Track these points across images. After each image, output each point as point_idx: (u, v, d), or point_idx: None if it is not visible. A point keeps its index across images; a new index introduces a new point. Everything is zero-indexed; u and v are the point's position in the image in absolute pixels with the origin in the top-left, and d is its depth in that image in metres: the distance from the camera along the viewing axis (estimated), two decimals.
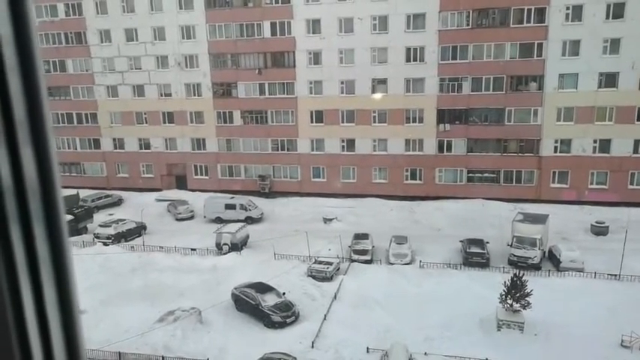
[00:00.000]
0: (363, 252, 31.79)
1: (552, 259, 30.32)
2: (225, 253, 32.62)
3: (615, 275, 27.31)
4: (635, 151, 39.61)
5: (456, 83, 41.78)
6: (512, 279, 23.32)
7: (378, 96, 43.20)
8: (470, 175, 43.00)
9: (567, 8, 38.66)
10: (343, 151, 44.99)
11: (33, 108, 1.06)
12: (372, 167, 44.54)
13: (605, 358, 20.17)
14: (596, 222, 35.60)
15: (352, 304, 25.46)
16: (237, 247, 32.95)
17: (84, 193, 44.58)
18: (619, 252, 27.83)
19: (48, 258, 1.09)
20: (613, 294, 25.32)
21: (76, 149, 50.25)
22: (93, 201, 43.73)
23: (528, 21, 39.55)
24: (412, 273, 29.01)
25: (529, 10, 39.37)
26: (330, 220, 39.27)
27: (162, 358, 20.77)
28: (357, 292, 26.69)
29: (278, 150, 46.62)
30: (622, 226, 32.12)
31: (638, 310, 23.73)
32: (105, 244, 34.43)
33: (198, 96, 47.16)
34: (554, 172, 41.43)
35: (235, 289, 25.85)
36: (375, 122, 43.83)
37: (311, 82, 44.43)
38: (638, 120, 39.08)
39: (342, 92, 43.94)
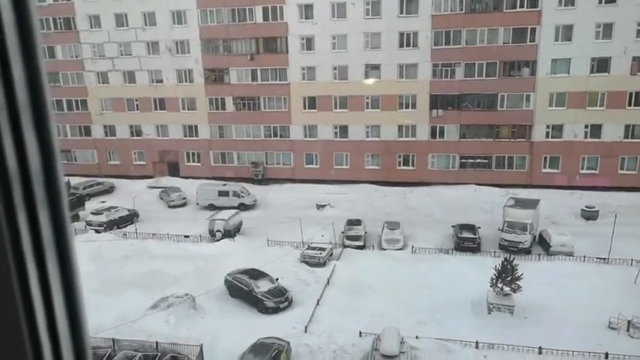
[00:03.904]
0: (356, 238, 31.96)
1: (542, 243, 30.64)
2: (218, 240, 32.67)
3: (604, 259, 27.68)
4: (626, 136, 39.86)
5: (449, 69, 41.68)
6: (502, 263, 23.62)
7: (370, 82, 43.04)
8: (462, 160, 43.14)
9: None
10: (336, 137, 44.93)
11: (35, 93, 1.06)
12: (365, 153, 44.54)
13: (593, 339, 20.52)
14: (586, 206, 35.92)
15: (345, 290, 25.66)
16: (230, 233, 33.00)
17: (75, 181, 44.28)
18: (608, 236, 28.20)
19: (52, 242, 1.12)
20: (602, 277, 25.67)
21: (66, 136, 49.76)
22: (84, 188, 43.47)
23: (522, 5, 39.37)
24: (404, 258, 29.24)
25: None
26: (323, 206, 39.35)
27: (156, 343, 20.89)
28: (350, 277, 26.89)
29: (271, 136, 46.46)
30: (611, 211, 32.47)
31: (626, 292, 24.14)
32: (97, 231, 34.37)
33: (189, 82, 46.76)
34: (545, 158, 41.65)
35: (229, 275, 25.96)
36: (367, 108, 43.72)
37: (304, 68, 44.13)
38: (629, 105, 39.27)
39: (335, 78, 43.70)
